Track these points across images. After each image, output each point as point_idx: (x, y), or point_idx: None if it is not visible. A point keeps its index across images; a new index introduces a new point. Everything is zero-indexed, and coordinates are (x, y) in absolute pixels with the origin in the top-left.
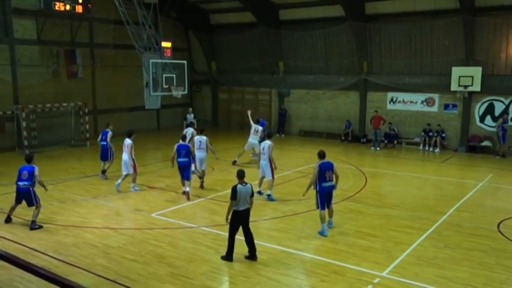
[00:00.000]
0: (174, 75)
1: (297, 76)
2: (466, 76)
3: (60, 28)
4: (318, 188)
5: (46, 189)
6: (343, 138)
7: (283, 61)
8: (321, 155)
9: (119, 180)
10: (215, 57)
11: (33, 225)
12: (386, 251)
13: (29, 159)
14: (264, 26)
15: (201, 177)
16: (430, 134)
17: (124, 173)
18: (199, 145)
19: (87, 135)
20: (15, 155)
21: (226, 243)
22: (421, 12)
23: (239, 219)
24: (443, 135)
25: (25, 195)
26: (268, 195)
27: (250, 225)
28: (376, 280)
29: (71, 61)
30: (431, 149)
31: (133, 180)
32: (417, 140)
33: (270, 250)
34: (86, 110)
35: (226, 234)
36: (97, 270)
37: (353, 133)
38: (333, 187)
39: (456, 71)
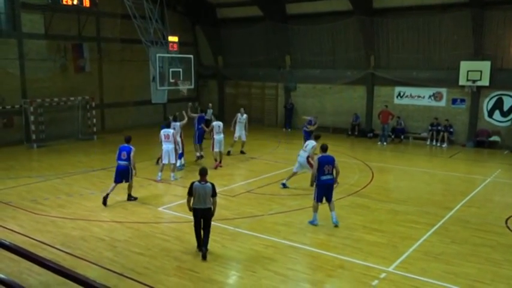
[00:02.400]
0: (181, 70)
1: (303, 70)
2: (475, 70)
3: (68, 22)
4: (316, 181)
5: (135, 172)
6: (349, 132)
7: (289, 55)
8: (323, 148)
9: (160, 174)
10: (222, 52)
11: (130, 198)
12: (392, 246)
13: (127, 140)
14: (270, 20)
15: (219, 159)
16: (439, 127)
17: (165, 162)
18: (219, 129)
19: (94, 129)
20: (23, 148)
21: (232, 237)
22: (429, 6)
23: (196, 216)
24: (451, 130)
25: (124, 173)
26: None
27: (258, 219)
28: (383, 275)
29: (78, 55)
30: (438, 144)
31: (173, 170)
32: (424, 135)
33: (277, 244)
34: (93, 104)
35: (232, 228)
36: (104, 263)
37: (360, 127)
38: (332, 181)
39: (464, 65)
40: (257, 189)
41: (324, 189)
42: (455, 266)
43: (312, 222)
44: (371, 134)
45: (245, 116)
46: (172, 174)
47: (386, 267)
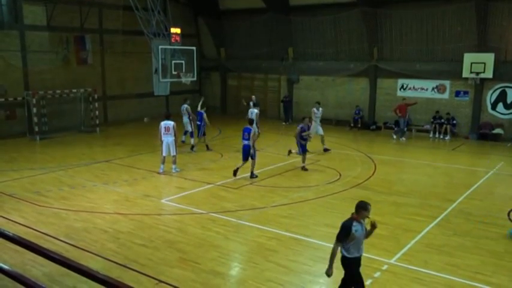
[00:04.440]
0: (183, 62)
1: (306, 62)
2: (478, 63)
3: (70, 14)
4: None
5: (255, 150)
6: (352, 125)
7: (292, 47)
8: None
9: (163, 166)
10: (224, 43)
11: (252, 175)
12: (395, 238)
13: (250, 122)
14: (273, 11)
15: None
16: (442, 120)
17: (165, 154)
18: (251, 115)
19: (97, 121)
20: (26, 140)
21: (235, 229)
22: None
23: (351, 269)
24: (454, 122)
25: (246, 151)
26: None
27: (260, 211)
28: (385, 267)
29: (80, 47)
30: (441, 137)
31: (174, 162)
32: (427, 127)
33: (279, 236)
34: (96, 96)
35: (235, 220)
36: (107, 254)
37: (362, 120)
38: None
39: (468, 58)
40: (260, 182)
41: None
42: (457, 258)
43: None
44: (374, 127)
45: (321, 110)
46: (173, 167)
47: (388, 259)
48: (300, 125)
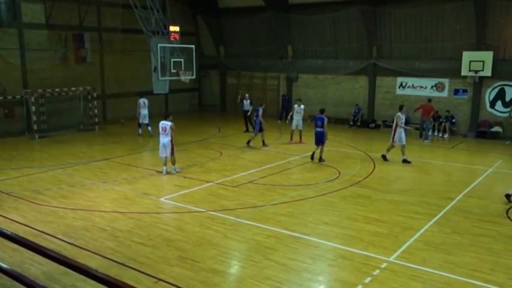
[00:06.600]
0: (182, 60)
1: (305, 61)
2: (477, 61)
3: (69, 12)
4: None
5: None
6: (351, 123)
7: (291, 45)
8: None
9: (165, 168)
10: (223, 42)
11: (320, 160)
12: (393, 236)
13: (322, 111)
14: (272, 10)
15: (301, 137)
16: (441, 119)
17: (163, 155)
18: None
19: (96, 119)
20: (25, 139)
21: (233, 227)
22: None
23: None
24: (453, 120)
25: (319, 137)
26: None
27: (259, 209)
28: (384, 265)
29: (79, 45)
30: (440, 135)
31: (174, 162)
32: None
33: (278, 234)
34: (95, 95)
35: (234, 218)
36: (106, 253)
37: (362, 118)
38: None
39: (467, 56)
40: (259, 180)
41: None
42: (455, 256)
43: None
44: (373, 125)
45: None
46: (173, 167)
47: (387, 257)
48: None
